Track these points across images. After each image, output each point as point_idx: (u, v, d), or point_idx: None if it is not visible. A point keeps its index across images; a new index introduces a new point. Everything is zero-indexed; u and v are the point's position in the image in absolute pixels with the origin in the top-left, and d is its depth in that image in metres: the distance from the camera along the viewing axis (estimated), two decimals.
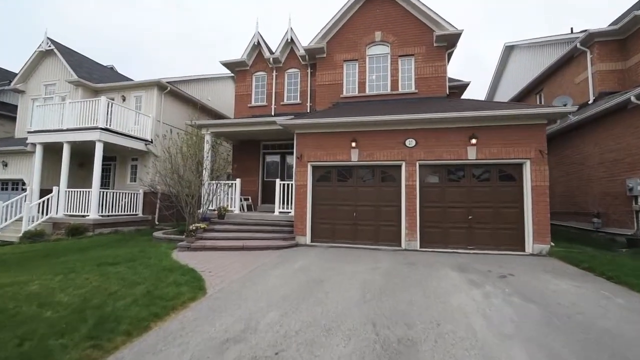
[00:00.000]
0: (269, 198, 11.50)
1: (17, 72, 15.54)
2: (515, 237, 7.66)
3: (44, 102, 13.51)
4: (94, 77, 14.57)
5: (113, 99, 12.87)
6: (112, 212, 11.53)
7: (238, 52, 12.81)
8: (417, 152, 8.13)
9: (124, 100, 13.81)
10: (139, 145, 12.49)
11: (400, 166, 8.31)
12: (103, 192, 11.31)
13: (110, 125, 11.46)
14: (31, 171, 12.01)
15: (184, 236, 7.83)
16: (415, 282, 5.00)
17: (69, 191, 11.13)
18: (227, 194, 10.05)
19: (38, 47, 14.30)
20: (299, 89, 12.31)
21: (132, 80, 16.49)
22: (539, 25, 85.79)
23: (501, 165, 7.86)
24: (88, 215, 10.71)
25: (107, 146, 11.50)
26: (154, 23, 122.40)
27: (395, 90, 10.63)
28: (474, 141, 7.74)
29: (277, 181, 9.52)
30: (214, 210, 9.56)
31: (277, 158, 12.39)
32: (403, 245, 8.04)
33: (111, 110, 11.78)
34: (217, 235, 8.23)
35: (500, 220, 7.77)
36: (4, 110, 16.37)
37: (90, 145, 11.03)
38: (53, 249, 7.74)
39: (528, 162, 7.58)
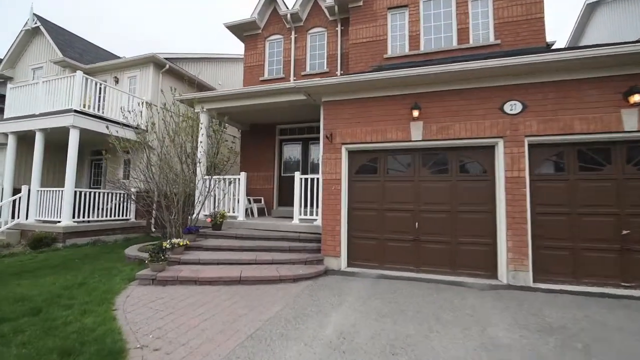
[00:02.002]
0: (287, 199, 8.69)
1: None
2: None
3: None
4: (86, 58, 12.44)
5: (105, 81, 10.68)
6: (94, 216, 9.16)
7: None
8: (526, 123, 4.89)
9: (116, 82, 11.54)
10: (129, 134, 10.05)
11: (493, 147, 5.12)
12: (82, 192, 8.99)
13: (102, 112, 9.31)
14: (3, 166, 9.96)
15: (147, 256, 5.01)
16: None
17: (41, 191, 8.95)
18: (228, 193, 7.28)
19: (24, 26, 12.39)
20: (325, 54, 9.28)
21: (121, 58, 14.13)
22: None
23: None
24: (60, 222, 8.42)
25: (93, 136, 9.29)
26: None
27: (464, 44, 7.36)
28: (636, 98, 4.39)
29: (297, 175, 6.62)
30: (208, 216, 6.82)
31: (297, 147, 9.52)
32: (503, 278, 4.83)
33: (102, 95, 9.63)
34: (203, 256, 5.41)
35: None
36: None
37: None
38: None
39: None
